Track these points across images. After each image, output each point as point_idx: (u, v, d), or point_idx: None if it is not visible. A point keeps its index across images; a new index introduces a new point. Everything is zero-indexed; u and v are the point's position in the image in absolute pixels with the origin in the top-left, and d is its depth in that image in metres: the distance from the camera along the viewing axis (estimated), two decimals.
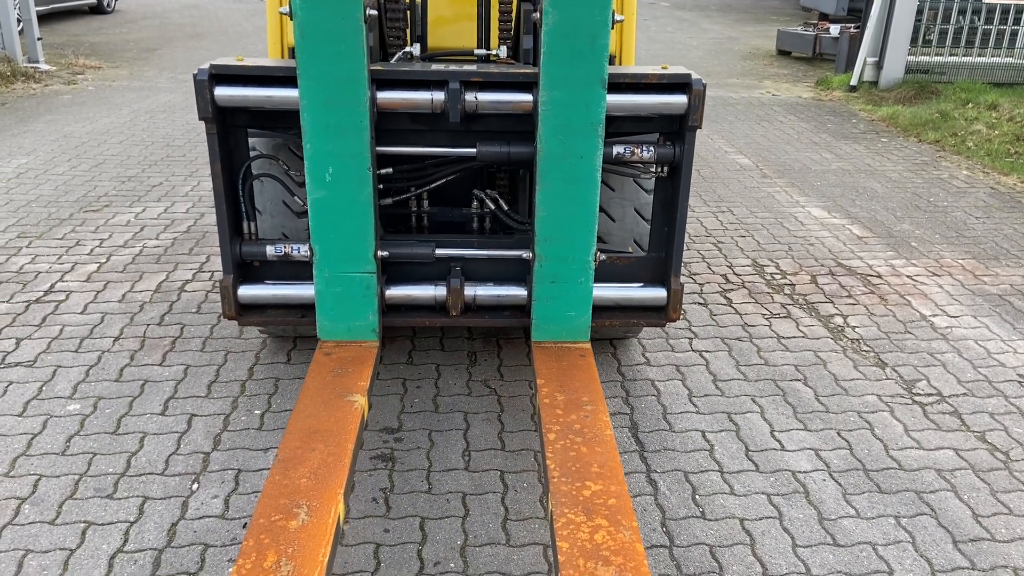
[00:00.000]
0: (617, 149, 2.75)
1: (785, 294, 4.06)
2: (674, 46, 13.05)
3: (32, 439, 2.82)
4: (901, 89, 8.80)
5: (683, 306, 3.89)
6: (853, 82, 9.18)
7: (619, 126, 2.80)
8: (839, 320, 3.81)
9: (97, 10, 14.59)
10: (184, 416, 2.98)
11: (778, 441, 2.94)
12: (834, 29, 11.01)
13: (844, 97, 8.98)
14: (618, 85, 2.67)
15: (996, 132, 6.95)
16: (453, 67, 2.66)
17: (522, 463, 2.82)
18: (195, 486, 2.63)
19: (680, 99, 2.64)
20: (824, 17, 14.38)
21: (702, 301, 3.96)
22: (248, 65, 2.60)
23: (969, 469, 2.81)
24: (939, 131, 7.19)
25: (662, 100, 2.66)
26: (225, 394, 3.12)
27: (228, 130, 2.73)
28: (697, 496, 2.66)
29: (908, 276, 4.29)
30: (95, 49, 11.16)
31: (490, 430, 2.97)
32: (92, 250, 4.36)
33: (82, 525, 2.45)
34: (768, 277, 4.24)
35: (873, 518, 2.58)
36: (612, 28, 2.42)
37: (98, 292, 3.89)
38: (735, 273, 4.28)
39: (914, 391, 3.26)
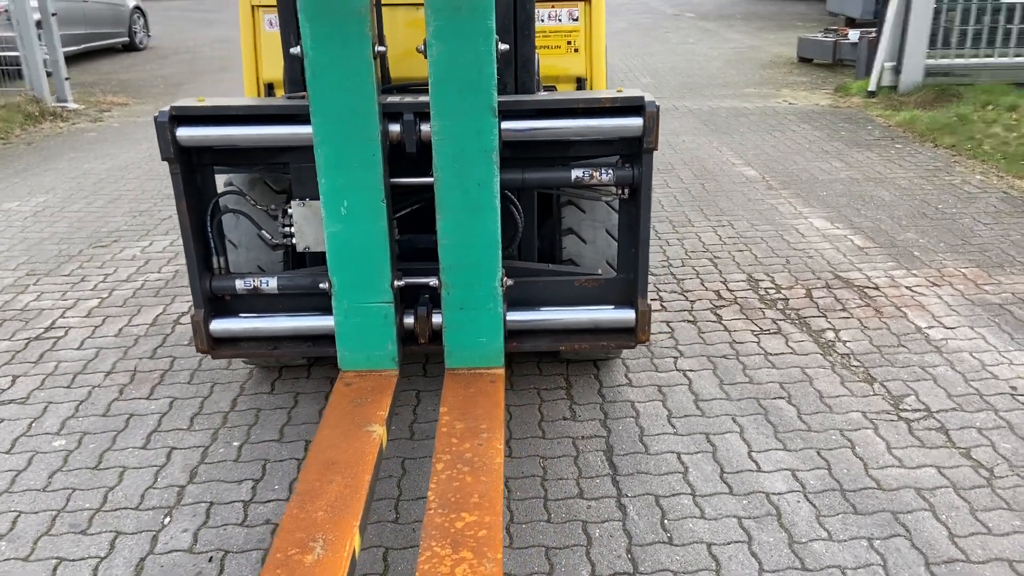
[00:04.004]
0: (576, 173, 2.76)
1: (778, 309, 4.00)
2: (693, 57, 12.99)
3: (16, 476, 2.89)
4: (921, 93, 8.64)
5: (671, 324, 3.86)
6: (871, 87, 9.05)
7: (579, 150, 2.82)
8: (830, 335, 3.75)
9: (130, 48, 14.98)
10: (164, 449, 3.03)
11: (755, 462, 2.90)
12: (853, 34, 10.87)
13: (862, 103, 8.85)
14: (573, 110, 2.69)
15: (1014, 134, 6.79)
16: (408, 98, 2.70)
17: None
18: (167, 520, 2.68)
19: (635, 121, 2.64)
20: (851, 21, 14.20)
21: (691, 319, 3.92)
22: (208, 105, 2.67)
23: (950, 487, 2.74)
24: (956, 135, 7.05)
25: (617, 123, 2.67)
26: (207, 426, 3.17)
27: (194, 168, 2.80)
28: (666, 521, 2.63)
29: (907, 287, 4.20)
30: (124, 86, 11.47)
31: None
32: (96, 285, 4.47)
33: (54, 561, 2.50)
34: (762, 292, 4.19)
35: (845, 540, 2.52)
36: (499, 57, 2.44)
37: (96, 327, 3.98)
38: (728, 289, 4.23)
39: (901, 407, 3.19)
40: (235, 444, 3.06)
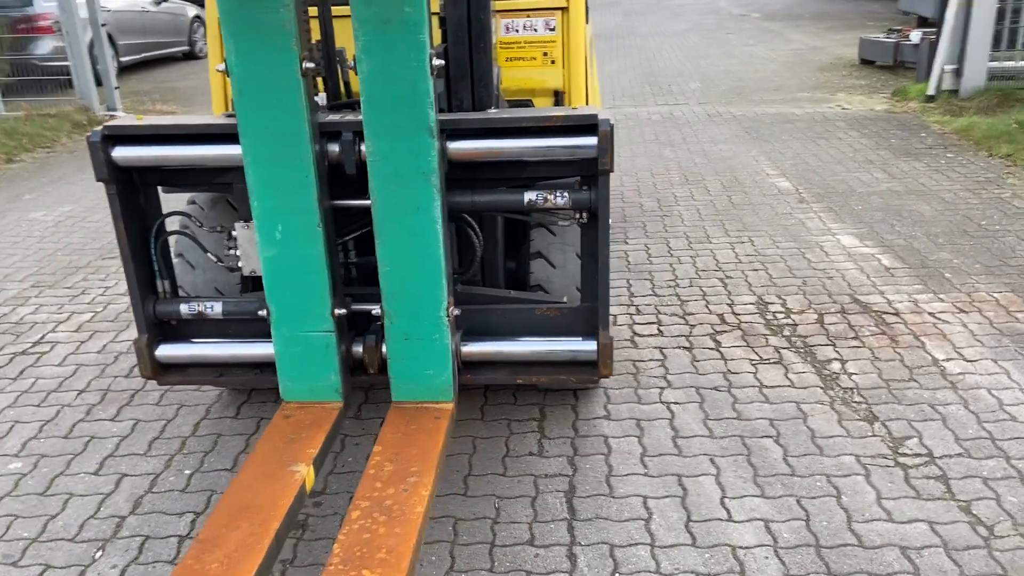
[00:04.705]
0: (529, 196, 2.58)
1: (783, 336, 3.73)
2: (750, 60, 12.57)
3: None
4: (983, 98, 8.13)
5: (664, 351, 3.62)
6: (930, 92, 8.56)
7: (535, 170, 2.63)
8: (836, 366, 3.46)
9: (190, 56, 15.27)
10: (115, 476, 2.95)
11: (726, 510, 2.66)
12: (915, 35, 10.34)
13: (920, 109, 8.37)
14: (522, 129, 2.51)
15: None
16: (350, 116, 2.55)
17: (479, 509, 2.69)
18: (99, 554, 2.58)
19: (588, 141, 2.45)
20: (923, 21, 13.55)
21: (687, 345, 3.68)
22: (142, 125, 2.58)
23: (941, 547, 2.45)
24: (1014, 143, 6.58)
25: (568, 143, 2.48)
26: (163, 452, 3.08)
27: (136, 189, 2.71)
28: (617, 574, 2.42)
29: (930, 313, 3.87)
30: (176, 94, 11.66)
31: (456, 477, 2.85)
32: (93, 299, 4.46)
33: None
34: (770, 317, 3.91)
35: None
36: (435, 73, 2.27)
37: (82, 343, 3.95)
38: (734, 313, 3.97)
39: (900, 451, 2.90)
40: (186, 472, 2.96)
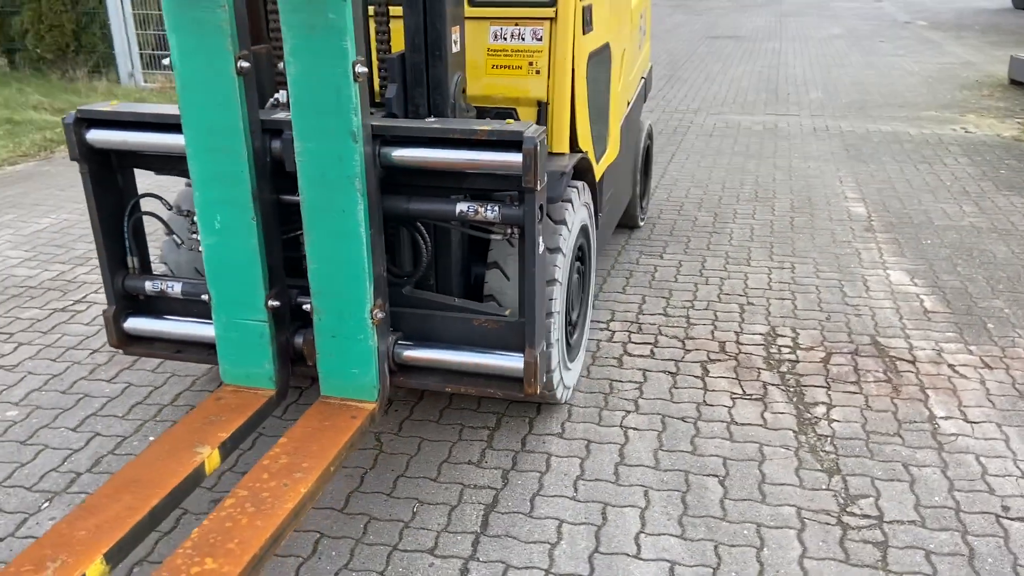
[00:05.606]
0: (460, 207, 2.59)
1: (778, 372, 3.54)
2: (889, 72, 11.86)
3: None
4: None
5: (647, 374, 3.52)
6: None
7: (474, 182, 2.63)
8: (820, 410, 3.26)
9: None
10: (89, 434, 3.17)
11: (638, 545, 2.58)
12: None
13: None
14: (452, 140, 2.51)
15: None
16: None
17: (397, 512, 2.73)
18: (45, 505, 2.79)
19: (513, 157, 2.43)
20: None
21: (673, 370, 3.56)
22: (112, 110, 2.75)
23: None
24: None
25: (496, 158, 2.47)
26: (140, 417, 3.28)
27: (114, 169, 2.89)
28: None
29: (950, 365, 3.58)
30: None
31: (389, 476, 2.90)
32: None
33: None
34: (773, 350, 3.72)
35: None
36: (357, 80, 2.29)
37: None
38: (737, 342, 3.80)
39: (849, 509, 2.72)
40: (150, 439, 3.14)
